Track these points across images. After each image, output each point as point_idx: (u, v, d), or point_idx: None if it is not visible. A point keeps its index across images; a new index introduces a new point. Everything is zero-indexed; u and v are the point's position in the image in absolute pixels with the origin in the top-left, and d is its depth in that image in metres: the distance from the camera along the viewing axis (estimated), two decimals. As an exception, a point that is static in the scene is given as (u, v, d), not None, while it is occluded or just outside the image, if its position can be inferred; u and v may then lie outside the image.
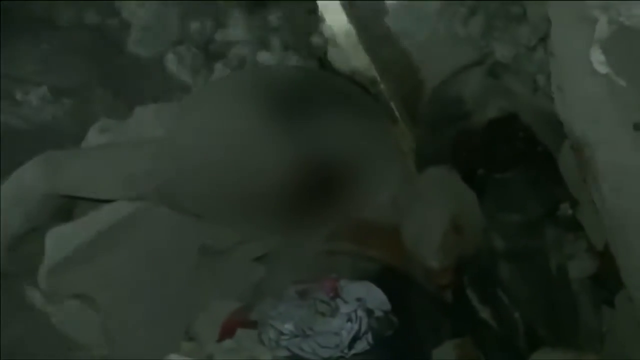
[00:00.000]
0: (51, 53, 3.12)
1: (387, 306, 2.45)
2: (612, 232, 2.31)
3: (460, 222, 2.67)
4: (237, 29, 3.24)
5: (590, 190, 2.32)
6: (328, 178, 2.67)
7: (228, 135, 2.66)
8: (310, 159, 2.63)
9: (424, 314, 2.61)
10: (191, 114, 2.77)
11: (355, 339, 2.37)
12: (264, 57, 3.18)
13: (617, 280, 2.34)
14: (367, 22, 3.02)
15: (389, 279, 2.58)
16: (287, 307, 2.44)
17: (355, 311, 2.39)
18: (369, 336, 2.39)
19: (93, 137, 2.92)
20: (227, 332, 2.49)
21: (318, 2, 3.07)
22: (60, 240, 2.69)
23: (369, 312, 2.41)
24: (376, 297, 2.46)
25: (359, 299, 2.44)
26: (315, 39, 3.15)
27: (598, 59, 2.14)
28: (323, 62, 3.11)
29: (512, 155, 2.78)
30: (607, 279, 2.59)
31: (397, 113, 2.93)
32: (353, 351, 2.37)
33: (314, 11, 3.14)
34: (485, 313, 2.68)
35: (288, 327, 2.38)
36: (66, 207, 2.79)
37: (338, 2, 3.01)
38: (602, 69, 2.14)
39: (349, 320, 2.38)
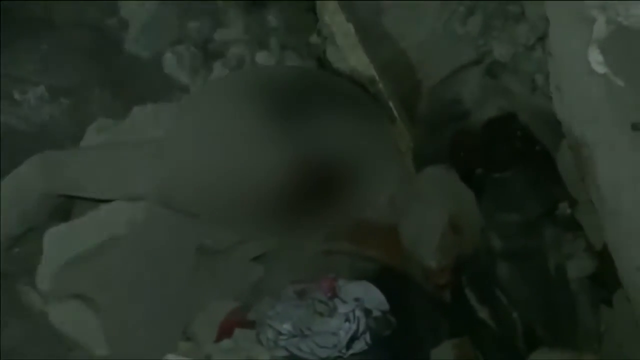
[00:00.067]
0: (50, 53, 3.12)
1: (385, 306, 2.45)
2: (610, 231, 2.30)
3: (459, 222, 2.67)
4: (235, 28, 3.23)
5: (589, 190, 2.32)
6: (326, 178, 2.67)
7: (226, 135, 2.66)
8: (308, 159, 2.62)
9: (422, 313, 2.61)
10: (190, 114, 2.77)
11: (353, 339, 2.37)
12: (262, 56, 3.18)
13: (616, 279, 2.34)
14: (365, 22, 3.02)
15: (387, 278, 2.58)
16: (285, 307, 2.44)
17: (353, 311, 2.39)
18: (367, 336, 2.39)
19: (91, 136, 2.92)
20: (225, 332, 2.49)
21: (316, 2, 3.07)
22: (58, 240, 2.70)
23: (367, 312, 2.41)
24: (374, 297, 2.46)
25: (357, 299, 2.44)
26: (314, 39, 3.14)
27: (596, 59, 2.14)
28: (322, 62, 3.11)
29: (511, 154, 2.78)
30: (605, 279, 2.59)
31: (395, 112, 2.92)
32: (351, 351, 2.38)
33: (312, 10, 3.14)
34: (483, 313, 2.67)
35: (286, 327, 2.39)
36: (64, 207, 2.79)
37: (336, 1, 3.00)
38: (600, 68, 2.14)
39: (347, 320, 2.38)
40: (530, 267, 2.71)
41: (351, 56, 2.99)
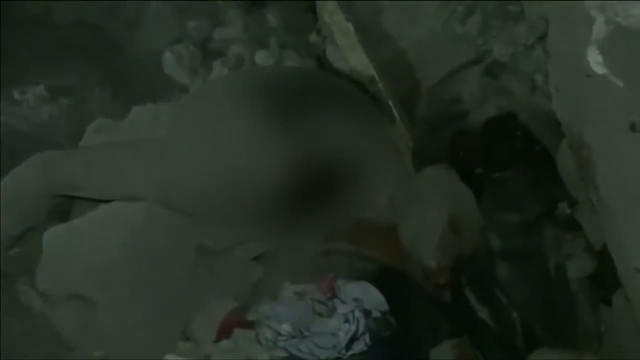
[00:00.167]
0: (49, 52, 3.11)
1: (385, 307, 2.45)
2: (609, 232, 2.30)
3: (458, 222, 2.67)
4: (235, 27, 3.23)
5: (588, 190, 2.32)
6: (325, 178, 2.67)
7: (225, 135, 2.66)
8: (307, 159, 2.62)
9: (422, 313, 2.61)
10: (189, 114, 2.77)
11: (352, 339, 2.37)
12: (262, 56, 3.18)
13: (615, 279, 2.34)
14: (364, 21, 3.01)
15: (387, 278, 2.58)
16: (285, 307, 2.44)
17: (353, 312, 2.39)
18: (367, 337, 2.39)
19: (90, 136, 2.92)
20: (224, 332, 2.49)
21: (316, 1, 3.06)
22: (57, 241, 2.70)
23: (367, 313, 2.41)
24: (374, 298, 2.46)
25: (356, 300, 2.44)
26: (313, 38, 3.14)
27: (595, 59, 2.14)
28: (322, 61, 3.11)
29: (510, 154, 2.78)
30: (605, 279, 2.59)
31: (395, 112, 2.92)
32: (350, 352, 2.37)
33: (311, 10, 3.13)
34: (483, 313, 2.67)
35: (285, 327, 2.38)
36: (63, 207, 2.79)
37: (336, 1, 3.00)
38: (599, 69, 2.13)
39: (347, 321, 2.38)
40: (529, 267, 2.70)
41: (351, 56, 2.99)
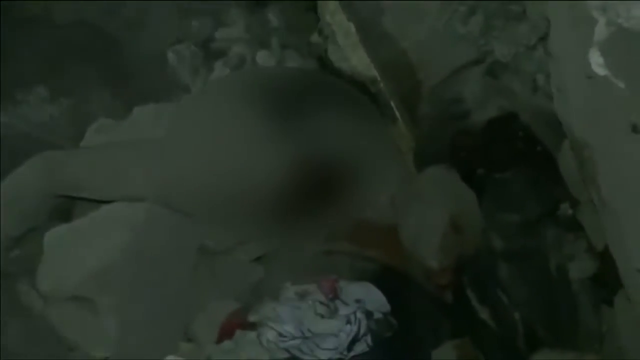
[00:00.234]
0: (50, 52, 3.11)
1: (387, 308, 2.45)
2: (610, 232, 2.30)
3: (460, 222, 2.67)
4: (236, 27, 3.23)
5: (590, 191, 2.32)
6: (327, 178, 2.67)
7: (226, 136, 2.66)
8: (308, 160, 2.62)
9: (423, 314, 2.61)
10: (189, 114, 2.77)
11: (354, 340, 2.37)
12: (263, 56, 3.18)
13: (617, 280, 2.34)
14: (366, 21, 3.01)
15: (388, 279, 2.58)
16: (286, 308, 2.44)
17: (355, 313, 2.39)
18: (368, 338, 2.39)
19: (91, 137, 2.92)
20: (225, 333, 2.49)
21: (317, 1, 3.06)
22: (59, 241, 2.70)
23: (368, 314, 2.40)
24: (375, 299, 2.46)
25: (358, 301, 2.44)
26: (315, 38, 3.14)
27: (597, 61, 2.14)
28: (323, 61, 3.11)
29: (512, 154, 2.78)
30: (607, 279, 2.58)
31: (397, 112, 2.92)
32: (352, 353, 2.37)
33: (313, 10, 3.13)
34: (484, 313, 2.67)
35: (287, 328, 2.38)
36: (65, 208, 2.79)
37: (337, 1, 3.00)
38: (601, 70, 2.13)
39: (348, 322, 2.38)
40: (531, 267, 2.70)
41: (352, 56, 2.99)
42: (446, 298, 2.66)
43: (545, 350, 2.61)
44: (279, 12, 3.25)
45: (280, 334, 2.38)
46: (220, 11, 3.26)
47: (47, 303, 2.68)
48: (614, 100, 2.14)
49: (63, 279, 2.64)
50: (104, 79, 3.10)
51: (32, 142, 2.94)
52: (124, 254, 2.62)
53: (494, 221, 2.72)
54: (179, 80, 3.14)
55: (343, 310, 2.41)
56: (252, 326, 2.45)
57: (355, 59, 2.99)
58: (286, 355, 2.37)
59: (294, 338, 2.37)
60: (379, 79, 2.95)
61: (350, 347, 2.37)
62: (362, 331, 2.38)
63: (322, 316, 2.41)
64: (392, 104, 2.92)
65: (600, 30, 2.14)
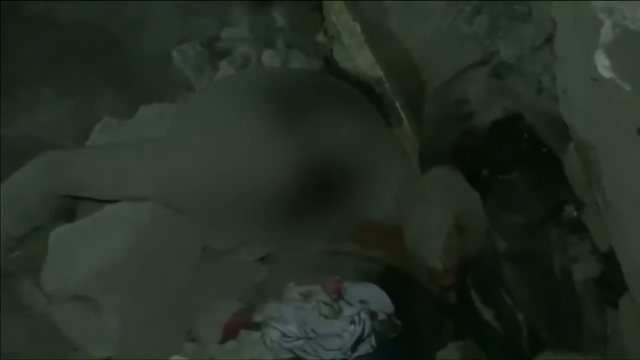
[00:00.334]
0: (54, 52, 3.11)
1: (391, 309, 2.44)
2: (615, 234, 2.30)
3: (464, 223, 2.66)
4: (241, 27, 3.23)
5: (595, 193, 2.32)
6: (331, 179, 2.67)
7: (230, 136, 2.66)
8: (312, 160, 2.62)
9: (427, 315, 2.61)
10: (194, 114, 2.77)
11: (358, 341, 2.36)
12: (268, 55, 3.17)
13: (622, 282, 2.34)
14: (371, 22, 3.01)
15: (392, 279, 2.57)
16: (290, 308, 2.43)
17: (359, 314, 2.38)
18: (372, 339, 2.38)
19: (96, 136, 2.92)
20: (229, 333, 2.49)
21: (323, 1, 3.06)
22: (63, 241, 2.70)
23: (373, 315, 2.40)
24: (380, 300, 2.45)
25: (362, 301, 2.43)
26: (320, 38, 3.14)
27: (602, 63, 2.14)
28: (329, 61, 3.11)
29: (516, 156, 2.77)
30: (611, 281, 2.58)
31: (402, 113, 2.92)
32: (356, 354, 2.36)
33: (318, 10, 3.13)
34: (488, 315, 2.67)
35: (291, 329, 2.37)
36: (69, 207, 2.79)
37: (342, 1, 3.00)
38: (607, 72, 2.13)
39: (353, 322, 2.37)
40: (535, 269, 2.70)
41: (357, 56, 3.00)
42: (450, 299, 2.66)
43: (549, 352, 2.61)
44: (284, 12, 3.25)
45: (284, 334, 2.37)
46: (224, 11, 3.26)
47: (51, 302, 2.68)
48: (619, 103, 2.14)
49: (67, 279, 2.65)
50: (108, 79, 3.09)
51: (36, 141, 2.93)
52: (127, 253, 2.63)
53: (498, 222, 2.72)
54: (183, 80, 3.14)
55: (347, 311, 2.40)
56: (256, 326, 2.44)
57: (360, 59, 2.99)
58: (290, 355, 2.36)
59: (297, 338, 2.37)
60: (384, 79, 2.95)
61: (354, 347, 2.36)
62: (366, 332, 2.37)
63: (326, 317, 2.40)
64: (397, 104, 2.93)
65: (606, 32, 2.14)
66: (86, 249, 2.65)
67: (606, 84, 2.14)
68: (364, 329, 2.36)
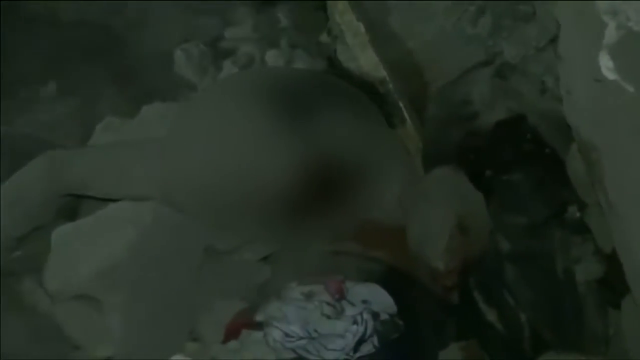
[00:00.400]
0: (57, 51, 3.11)
1: (393, 309, 2.45)
2: (617, 235, 2.30)
3: (467, 223, 2.66)
4: (245, 27, 3.23)
5: (597, 194, 2.31)
6: (333, 179, 2.67)
7: (233, 135, 2.65)
8: (316, 160, 2.62)
9: (430, 315, 2.61)
10: (196, 113, 2.77)
11: (360, 341, 2.37)
12: (272, 55, 3.17)
13: (624, 283, 2.33)
14: (374, 22, 3.01)
15: (394, 279, 2.57)
16: (293, 308, 2.44)
17: (361, 314, 2.38)
18: (375, 339, 2.38)
19: (99, 135, 2.92)
20: (232, 333, 2.49)
21: (327, 1, 3.06)
22: (65, 240, 2.70)
23: (375, 315, 2.40)
24: (382, 300, 2.45)
25: (364, 301, 2.43)
26: (324, 38, 3.14)
27: (606, 64, 2.13)
28: (333, 61, 3.11)
29: (520, 156, 2.77)
30: (614, 282, 2.58)
31: (405, 113, 2.92)
32: (358, 354, 2.37)
33: (322, 9, 3.13)
34: (491, 315, 2.67)
35: (294, 328, 2.38)
36: (71, 206, 2.79)
37: (346, 1, 3.00)
38: (610, 74, 2.13)
39: (355, 322, 2.37)
40: (538, 269, 2.70)
41: (361, 56, 2.99)
42: (452, 299, 2.66)
43: (551, 353, 2.60)
44: (288, 12, 3.25)
45: (287, 334, 2.37)
46: (228, 10, 3.26)
47: (53, 302, 2.68)
48: (623, 104, 2.13)
49: (69, 278, 2.64)
50: (110, 78, 3.09)
51: (36, 141, 2.93)
52: (129, 253, 2.62)
53: (501, 223, 2.72)
54: (187, 79, 3.14)
55: (349, 311, 2.41)
56: (258, 326, 2.44)
57: (364, 59, 2.99)
58: (292, 355, 2.37)
59: (300, 338, 2.37)
60: (387, 79, 2.95)
61: (356, 347, 2.36)
62: (368, 332, 2.37)
63: (329, 317, 2.40)
64: (401, 104, 2.92)
65: (610, 34, 2.14)
66: (88, 248, 2.65)
67: (610, 85, 2.14)
68: (366, 329, 2.37)
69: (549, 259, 2.70)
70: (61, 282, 2.64)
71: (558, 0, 2.39)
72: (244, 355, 2.39)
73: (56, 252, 2.68)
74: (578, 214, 2.69)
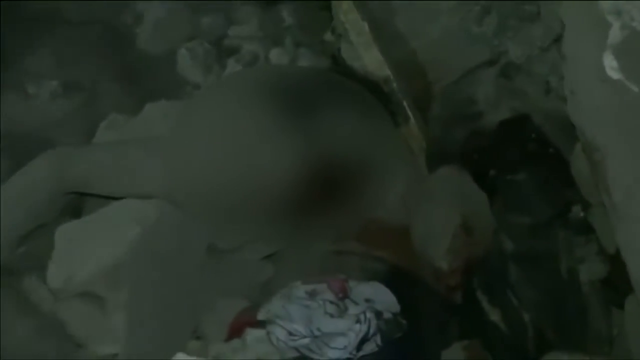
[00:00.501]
0: (62, 48, 3.12)
1: (396, 308, 2.45)
2: (621, 236, 2.29)
3: (470, 223, 2.67)
4: (249, 25, 3.23)
5: (601, 194, 2.31)
6: (337, 177, 2.66)
7: (237, 133, 2.65)
8: (319, 158, 2.61)
9: (433, 315, 2.61)
10: (200, 111, 2.77)
11: (363, 340, 2.37)
12: (276, 54, 3.18)
13: (628, 283, 2.33)
14: (379, 21, 3.01)
15: (397, 279, 2.57)
16: (296, 307, 2.44)
17: (364, 312, 2.38)
18: (378, 338, 2.38)
19: (103, 133, 2.92)
20: (235, 331, 2.49)
21: (332, 1, 3.06)
22: (69, 237, 2.69)
23: (378, 314, 2.40)
24: (385, 299, 2.46)
25: (368, 300, 2.44)
26: (328, 36, 3.14)
27: (610, 64, 2.13)
28: (337, 60, 3.10)
29: (524, 156, 2.77)
30: (618, 282, 2.58)
31: (409, 112, 2.92)
32: (361, 353, 2.37)
33: (327, 8, 3.13)
34: (494, 315, 2.67)
35: (297, 327, 2.38)
36: (75, 204, 2.79)
37: (351, 0, 3.00)
38: (615, 74, 2.13)
39: (358, 321, 2.37)
40: (541, 269, 2.70)
41: (365, 54, 2.99)
42: (455, 299, 2.66)
43: (555, 353, 2.60)
44: (293, 10, 3.25)
45: (290, 333, 2.37)
46: (233, 9, 3.26)
47: (56, 300, 2.68)
48: (627, 104, 2.13)
49: (72, 275, 2.64)
50: (115, 76, 3.10)
51: (44, 137, 2.94)
52: (133, 250, 2.62)
53: (505, 222, 2.72)
54: (191, 77, 3.14)
55: (353, 310, 2.41)
56: (262, 324, 2.45)
57: (368, 57, 2.98)
58: (295, 354, 2.37)
59: (303, 337, 2.37)
60: (391, 78, 2.94)
61: (359, 346, 2.36)
62: (371, 331, 2.37)
63: (332, 315, 2.40)
64: (405, 103, 2.92)
65: (615, 34, 2.14)
66: (92, 245, 2.64)
67: (614, 85, 2.14)
68: (369, 328, 2.37)
69: (552, 258, 2.70)
70: (64, 280, 2.64)
71: (563, 0, 2.38)
72: (247, 354, 2.39)
73: (60, 249, 2.68)
74: (582, 214, 2.69)
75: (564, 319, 2.67)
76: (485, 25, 2.94)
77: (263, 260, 2.73)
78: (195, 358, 2.38)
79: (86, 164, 2.75)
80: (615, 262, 2.50)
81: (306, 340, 2.37)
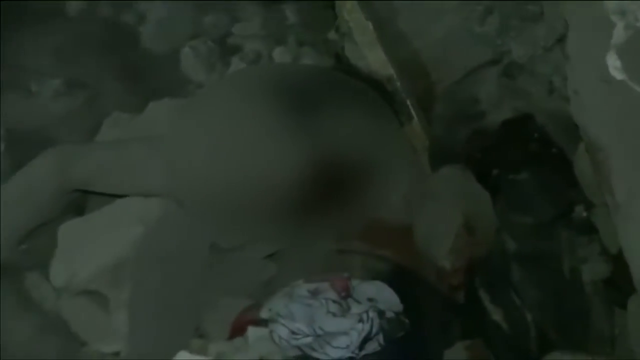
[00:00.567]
0: (65, 46, 3.11)
1: (399, 307, 2.45)
2: (623, 236, 2.29)
3: (473, 223, 2.67)
4: (253, 24, 3.23)
5: (604, 194, 2.31)
6: (341, 177, 2.66)
7: (240, 132, 2.65)
8: (323, 157, 2.61)
9: (435, 314, 2.61)
10: (203, 110, 2.76)
11: (366, 339, 2.37)
12: (280, 52, 3.18)
13: (630, 283, 2.33)
14: (382, 21, 3.01)
15: (400, 278, 2.57)
16: (299, 305, 2.44)
17: (367, 312, 2.39)
18: (380, 337, 2.38)
19: (106, 131, 2.92)
20: (237, 330, 2.49)
21: (335, 0, 3.06)
22: (72, 235, 2.70)
23: (381, 313, 2.40)
24: (388, 298, 2.46)
25: (370, 299, 2.44)
26: (332, 35, 3.14)
27: (614, 64, 2.13)
28: (340, 58, 3.10)
29: (527, 156, 2.77)
30: (620, 283, 2.58)
31: (412, 111, 2.92)
32: (364, 352, 2.37)
33: (330, 7, 3.13)
34: (497, 315, 2.67)
35: (299, 326, 2.38)
36: (78, 201, 2.79)
37: (355, 0, 3.00)
38: (618, 74, 2.13)
39: (360, 320, 2.37)
40: (544, 269, 2.70)
41: (369, 54, 2.99)
42: (458, 298, 2.66)
43: (557, 352, 2.60)
44: (296, 9, 3.26)
45: (292, 332, 2.38)
46: (236, 7, 3.26)
47: (60, 298, 2.68)
48: (631, 104, 2.13)
49: (75, 273, 2.64)
50: (118, 74, 3.09)
51: (47, 134, 2.93)
52: (136, 249, 2.62)
53: (507, 222, 2.72)
54: (194, 76, 3.14)
55: (355, 309, 2.41)
56: (264, 323, 2.45)
57: (371, 57, 2.98)
58: (298, 352, 2.37)
59: (305, 336, 2.37)
60: (395, 77, 2.94)
61: (362, 345, 2.37)
62: (374, 330, 2.37)
63: (334, 314, 2.41)
64: (408, 102, 2.92)
65: (618, 34, 2.14)
66: (95, 243, 2.64)
67: (617, 85, 2.14)
68: (371, 327, 2.37)
69: (555, 258, 2.70)
70: (67, 278, 2.63)
71: (566, 0, 2.38)
72: (250, 352, 2.39)
73: (62, 247, 2.68)
74: (585, 214, 2.69)
75: (566, 319, 2.67)
76: (488, 25, 2.94)
77: (266, 259, 2.73)
78: (197, 356, 2.38)
79: (89, 162, 2.75)
80: (618, 262, 2.51)
81: (308, 339, 2.37)
